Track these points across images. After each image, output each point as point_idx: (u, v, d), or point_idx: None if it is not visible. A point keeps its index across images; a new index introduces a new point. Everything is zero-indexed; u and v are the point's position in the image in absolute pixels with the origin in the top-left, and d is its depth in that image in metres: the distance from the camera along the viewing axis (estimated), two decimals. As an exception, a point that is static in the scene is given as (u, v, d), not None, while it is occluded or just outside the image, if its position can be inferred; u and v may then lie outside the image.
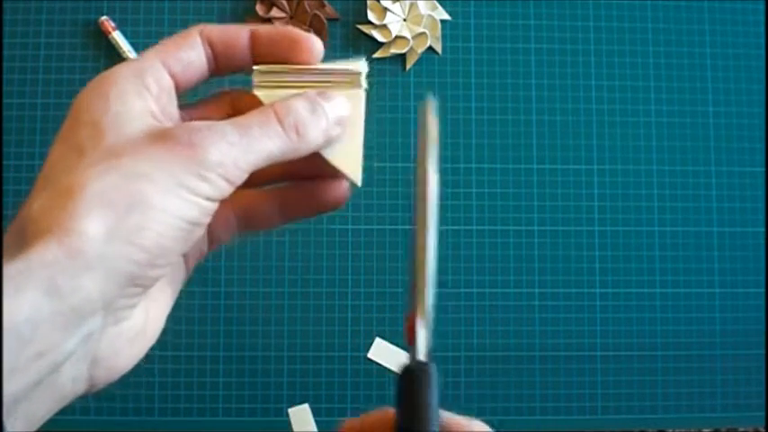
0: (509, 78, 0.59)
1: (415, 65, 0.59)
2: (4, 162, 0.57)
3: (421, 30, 0.57)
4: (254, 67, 0.26)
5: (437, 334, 0.58)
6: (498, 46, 0.59)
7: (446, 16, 0.59)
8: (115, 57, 0.57)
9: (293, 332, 0.57)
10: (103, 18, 0.57)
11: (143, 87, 0.24)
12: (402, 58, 0.59)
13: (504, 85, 0.59)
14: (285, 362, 0.56)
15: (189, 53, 0.26)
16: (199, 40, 0.26)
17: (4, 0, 0.58)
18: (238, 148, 0.23)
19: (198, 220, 0.23)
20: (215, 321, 0.57)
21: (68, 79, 0.58)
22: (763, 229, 0.59)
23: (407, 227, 0.58)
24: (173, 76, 0.26)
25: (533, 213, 0.58)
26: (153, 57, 0.25)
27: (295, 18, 0.57)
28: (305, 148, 0.25)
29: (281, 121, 0.24)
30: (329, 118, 0.26)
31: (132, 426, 0.56)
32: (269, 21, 0.57)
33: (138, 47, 0.57)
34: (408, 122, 0.58)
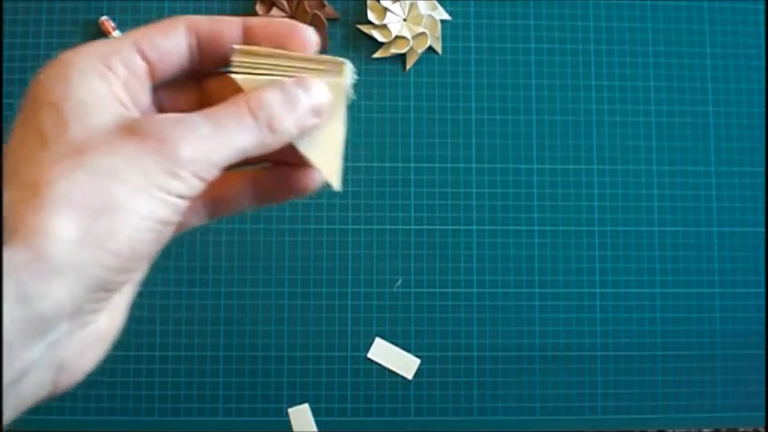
0: (509, 78, 0.59)
1: (415, 65, 0.59)
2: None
3: (421, 30, 0.57)
4: (234, 47, 0.25)
5: (438, 334, 0.59)
6: (498, 46, 0.59)
7: (446, 16, 0.59)
8: (115, 57, 0.57)
9: (293, 332, 0.57)
10: (103, 18, 0.57)
11: (107, 70, 0.23)
12: (402, 58, 0.59)
13: (504, 85, 0.59)
14: (285, 362, 0.56)
15: (168, 41, 0.24)
16: (183, 29, 0.25)
17: (4, 0, 0.58)
18: (211, 143, 0.22)
19: (170, 219, 0.22)
20: (215, 321, 0.57)
21: (68, 79, 0.58)
22: (763, 229, 0.59)
23: (408, 227, 0.58)
24: (148, 62, 0.24)
25: (533, 213, 0.58)
26: (125, 39, 0.24)
27: (295, 18, 0.57)
28: (278, 143, 0.24)
29: (254, 115, 0.23)
30: (305, 107, 0.24)
31: (132, 426, 0.56)
32: (269, 21, 0.57)
33: (138, 47, 0.57)
34: (408, 122, 0.58)
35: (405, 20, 0.58)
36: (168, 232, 0.22)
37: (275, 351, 0.56)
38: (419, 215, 0.58)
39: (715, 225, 0.58)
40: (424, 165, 0.58)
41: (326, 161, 0.26)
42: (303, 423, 0.56)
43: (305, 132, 0.25)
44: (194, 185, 0.22)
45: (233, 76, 0.25)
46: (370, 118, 0.58)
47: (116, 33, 0.57)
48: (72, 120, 0.21)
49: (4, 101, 0.57)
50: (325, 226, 0.57)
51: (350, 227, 0.57)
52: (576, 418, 0.57)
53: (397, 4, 0.58)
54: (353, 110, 0.58)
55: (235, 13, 0.58)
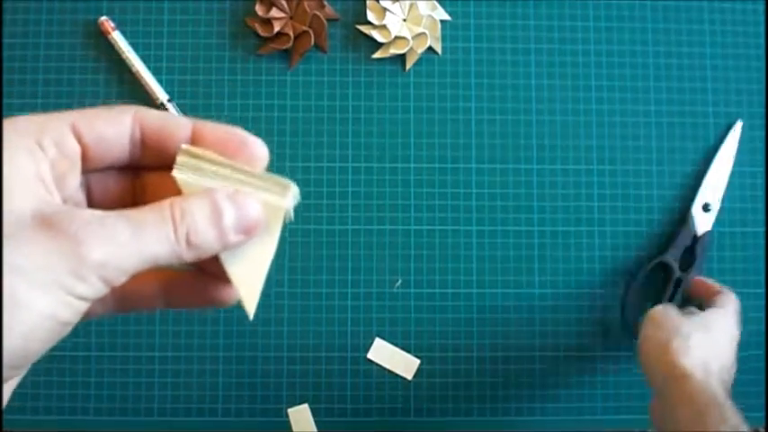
0: (509, 78, 0.59)
1: (414, 65, 0.59)
2: (4, 162, 0.57)
3: (421, 30, 0.57)
4: (182, 146, 0.24)
5: (438, 334, 0.59)
6: (498, 46, 0.59)
7: (446, 16, 0.59)
8: (115, 57, 0.57)
9: (293, 332, 0.57)
10: (103, 18, 0.57)
11: (37, 147, 0.22)
12: (402, 58, 0.59)
13: (504, 85, 0.59)
14: (285, 362, 0.56)
15: (110, 128, 0.24)
16: (129, 120, 0.24)
17: (4, 0, 0.58)
18: (125, 250, 0.21)
19: (68, 320, 0.21)
20: (215, 321, 0.57)
21: (68, 79, 0.58)
22: (763, 229, 0.59)
23: (407, 227, 0.58)
24: (83, 145, 0.23)
25: (533, 213, 0.58)
26: (64, 116, 0.23)
27: (294, 18, 0.57)
28: (194, 257, 0.23)
29: (174, 227, 0.22)
30: (231, 223, 0.23)
31: (132, 426, 0.56)
32: (269, 21, 0.57)
33: (138, 47, 0.57)
34: (408, 122, 0.58)
35: (404, 20, 0.58)
36: (65, 331, 0.22)
37: (275, 351, 0.56)
38: (419, 215, 0.57)
39: (715, 225, 0.58)
40: (424, 165, 0.58)
41: (247, 281, 0.25)
42: (303, 423, 0.56)
43: (228, 248, 0.24)
44: (99, 289, 0.21)
45: (174, 174, 0.24)
46: (370, 118, 0.58)
47: (116, 33, 0.57)
48: None
49: (4, 101, 0.57)
50: (324, 226, 0.57)
51: (350, 227, 0.57)
52: (576, 418, 0.57)
53: (397, 4, 0.58)
54: (354, 110, 0.58)
55: (235, 13, 0.58)
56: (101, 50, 0.58)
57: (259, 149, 0.25)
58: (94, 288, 0.21)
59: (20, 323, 0.20)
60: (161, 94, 0.56)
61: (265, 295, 0.57)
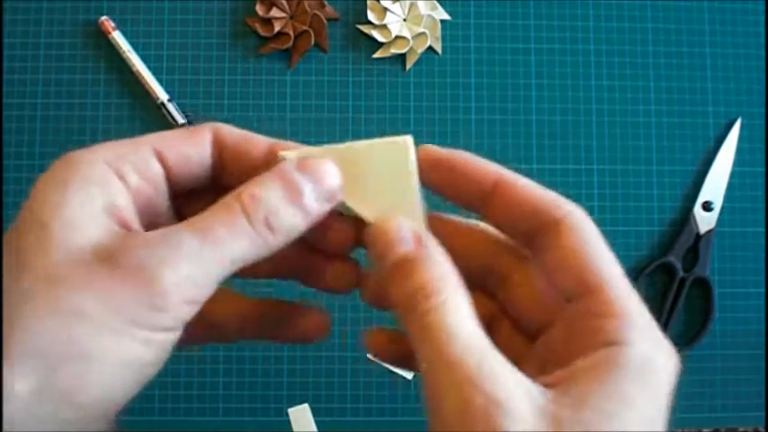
0: (509, 78, 0.59)
1: (415, 65, 0.59)
2: (5, 162, 0.57)
3: (421, 30, 0.57)
4: (281, 153, 0.23)
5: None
6: (498, 46, 0.59)
7: (446, 16, 0.59)
8: (115, 57, 0.57)
9: (293, 332, 0.57)
10: (103, 18, 0.57)
11: (115, 177, 0.21)
12: (402, 58, 0.59)
13: (504, 85, 0.59)
14: (285, 362, 0.56)
15: (191, 148, 0.23)
16: (208, 138, 0.23)
17: (4, 0, 0.58)
18: (200, 261, 0.19)
19: (154, 360, 0.19)
20: (215, 321, 0.56)
21: (68, 79, 0.58)
22: (763, 229, 0.59)
23: (407, 227, 0.57)
24: (166, 167, 0.22)
25: (533, 213, 0.58)
26: (145, 141, 0.22)
27: (295, 18, 0.57)
28: (283, 242, 0.21)
29: (248, 217, 0.20)
30: (310, 194, 0.21)
31: (132, 425, 0.56)
32: (269, 21, 0.57)
33: (138, 47, 0.57)
34: (408, 122, 0.58)
35: (405, 20, 0.58)
36: (154, 371, 0.20)
37: (275, 351, 0.56)
38: (419, 215, 0.57)
39: (715, 225, 0.58)
40: (424, 165, 0.58)
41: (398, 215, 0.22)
42: (303, 423, 0.56)
43: (315, 220, 0.22)
44: (183, 313, 0.19)
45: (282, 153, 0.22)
46: (370, 118, 0.58)
47: (116, 33, 0.57)
48: (54, 243, 0.19)
49: (4, 101, 0.57)
50: (325, 226, 0.57)
51: (350, 227, 0.57)
52: (576, 418, 0.57)
53: (397, 4, 0.58)
54: (354, 110, 0.58)
55: (235, 12, 0.58)
56: (101, 50, 0.58)
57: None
58: (176, 314, 0.19)
59: (90, 372, 0.18)
60: (161, 94, 0.56)
61: (266, 295, 0.56)
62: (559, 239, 0.22)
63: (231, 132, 0.23)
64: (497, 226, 0.24)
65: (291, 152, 0.23)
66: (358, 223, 0.23)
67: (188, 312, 0.19)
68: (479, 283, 0.24)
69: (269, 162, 0.23)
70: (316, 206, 0.22)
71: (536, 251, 0.23)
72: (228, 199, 0.21)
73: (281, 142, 0.24)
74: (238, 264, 0.20)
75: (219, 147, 0.23)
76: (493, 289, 0.25)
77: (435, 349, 0.19)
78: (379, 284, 0.25)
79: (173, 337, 0.19)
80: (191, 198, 0.24)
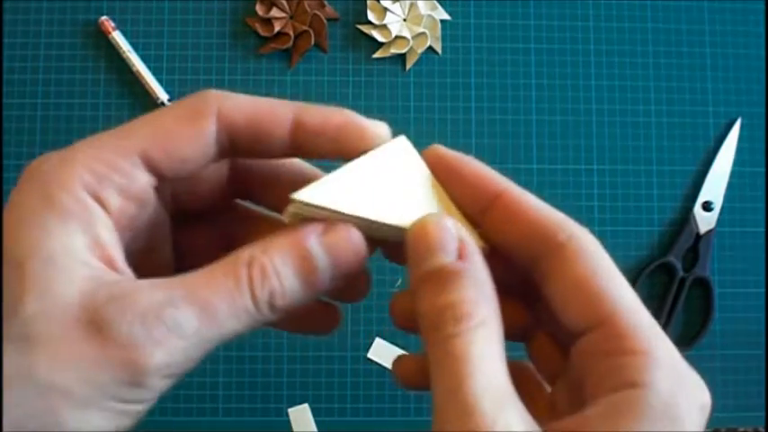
0: (509, 78, 0.59)
1: (414, 65, 0.59)
2: (4, 162, 0.57)
3: (421, 30, 0.57)
4: (294, 196, 0.19)
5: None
6: (498, 46, 0.59)
7: (446, 16, 0.59)
8: (115, 57, 0.57)
9: (293, 332, 0.57)
10: (103, 18, 0.57)
11: (95, 204, 0.19)
12: (402, 58, 0.59)
13: (504, 85, 0.59)
14: (285, 362, 0.56)
15: (187, 146, 0.19)
16: (209, 125, 0.20)
17: (4, 0, 0.58)
18: (192, 342, 0.18)
19: (128, 426, 0.18)
20: (215, 321, 0.56)
21: (68, 79, 0.58)
22: (763, 229, 0.59)
23: (407, 227, 0.57)
24: (160, 174, 0.20)
25: (533, 213, 0.58)
26: (127, 148, 0.19)
27: (295, 18, 0.57)
28: (278, 318, 0.20)
29: (253, 296, 0.19)
30: (324, 271, 0.19)
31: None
32: (269, 21, 0.57)
33: (138, 47, 0.57)
34: (408, 122, 0.58)
35: (405, 20, 0.58)
36: (131, 425, 0.19)
37: (275, 351, 0.56)
38: (419, 215, 0.57)
39: (715, 225, 0.58)
40: (424, 165, 0.58)
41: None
42: (303, 423, 0.56)
43: (320, 293, 0.20)
44: (163, 386, 0.18)
45: (285, 218, 0.20)
46: (369, 118, 0.58)
47: (116, 33, 0.57)
48: (32, 288, 0.17)
49: (4, 101, 0.57)
50: (325, 226, 0.57)
51: (350, 227, 0.57)
52: (576, 418, 0.57)
53: (397, 4, 0.58)
54: (354, 110, 0.58)
55: (235, 12, 0.58)
56: (101, 50, 0.58)
57: (377, 129, 0.21)
58: (155, 389, 0.18)
59: None
60: (161, 94, 0.56)
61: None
62: (564, 266, 0.20)
63: (240, 107, 0.20)
64: (497, 245, 0.22)
65: (304, 192, 0.20)
66: (372, 236, 0.22)
67: (168, 384, 0.18)
68: (520, 287, 0.22)
69: (297, 142, 0.20)
70: (328, 285, 0.20)
71: (540, 278, 0.21)
72: (238, 264, 0.19)
73: (304, 108, 0.20)
74: (228, 339, 0.19)
75: (228, 131, 0.20)
76: (532, 293, 0.22)
77: (453, 382, 0.17)
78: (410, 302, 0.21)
79: (148, 405, 0.19)
80: (190, 226, 0.22)
